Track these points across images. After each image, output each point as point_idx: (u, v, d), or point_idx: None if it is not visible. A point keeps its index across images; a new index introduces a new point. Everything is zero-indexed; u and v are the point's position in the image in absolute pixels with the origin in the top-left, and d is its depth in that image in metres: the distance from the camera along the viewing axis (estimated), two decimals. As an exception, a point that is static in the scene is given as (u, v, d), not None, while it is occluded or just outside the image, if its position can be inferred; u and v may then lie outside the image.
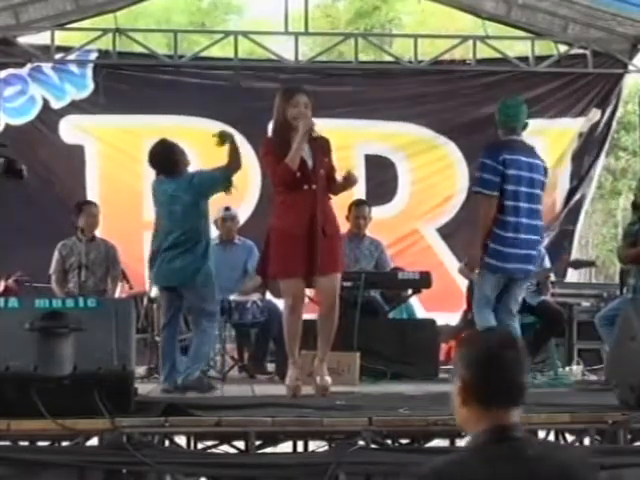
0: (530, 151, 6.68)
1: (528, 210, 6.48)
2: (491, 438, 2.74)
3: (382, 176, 10.97)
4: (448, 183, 11.10)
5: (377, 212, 9.85)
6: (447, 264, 10.73)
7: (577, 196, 11.28)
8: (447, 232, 10.96)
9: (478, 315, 6.54)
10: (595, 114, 11.17)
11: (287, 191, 6.24)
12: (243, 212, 9.90)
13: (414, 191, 11.16)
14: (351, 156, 10.60)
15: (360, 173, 10.29)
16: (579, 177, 11.23)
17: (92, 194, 10.55)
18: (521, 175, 6.46)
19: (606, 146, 11.47)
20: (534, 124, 10.85)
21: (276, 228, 6.30)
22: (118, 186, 10.68)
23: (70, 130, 10.74)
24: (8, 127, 10.48)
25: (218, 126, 10.65)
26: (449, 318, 9.65)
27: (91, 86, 10.75)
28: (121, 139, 10.89)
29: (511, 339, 2.86)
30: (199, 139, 10.66)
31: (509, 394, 2.79)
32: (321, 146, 6.31)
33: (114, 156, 10.86)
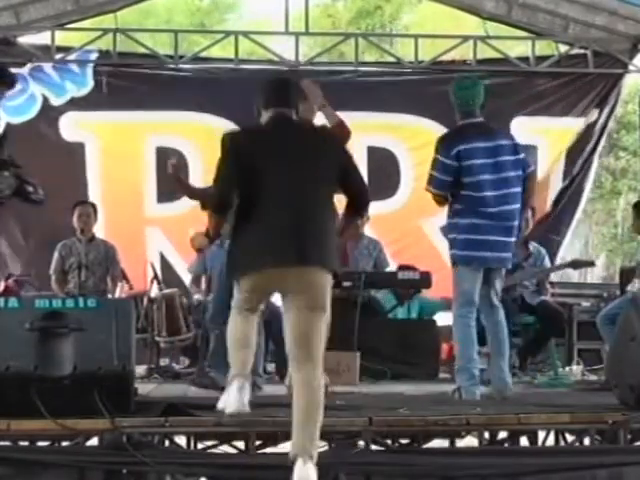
0: (492, 133, 6.33)
1: (496, 197, 6.16)
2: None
3: (385, 169, 10.89)
4: None
5: (379, 207, 9.84)
6: (449, 263, 10.66)
7: (569, 194, 11.24)
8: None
9: (457, 320, 6.25)
10: (593, 114, 11.17)
11: None
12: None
13: (417, 186, 11.06)
14: (353, 147, 10.54)
15: (362, 165, 10.28)
16: (572, 176, 11.21)
17: (93, 191, 10.55)
18: (481, 163, 6.17)
19: (600, 146, 11.45)
20: (535, 124, 10.99)
21: None
22: (119, 183, 10.65)
23: (70, 127, 10.72)
24: (9, 126, 10.48)
25: (219, 121, 10.73)
26: (451, 317, 9.63)
27: (91, 84, 10.75)
28: (122, 135, 10.87)
29: None
30: (200, 134, 10.71)
31: None
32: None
33: (115, 153, 10.82)
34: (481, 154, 6.21)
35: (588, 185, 11.56)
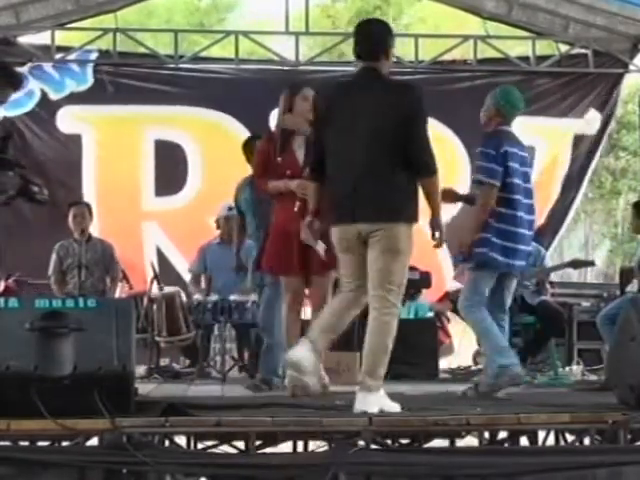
0: (521, 144, 6.43)
1: (526, 205, 6.26)
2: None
3: None
4: (450, 178, 11.03)
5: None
6: (446, 263, 10.66)
7: (569, 196, 11.24)
8: (449, 229, 10.86)
9: (473, 314, 6.21)
10: (594, 114, 11.17)
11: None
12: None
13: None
14: None
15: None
16: (572, 177, 11.21)
17: (89, 184, 10.55)
18: (519, 169, 6.25)
19: (601, 147, 11.45)
20: (535, 123, 10.98)
21: (272, 224, 6.37)
22: (116, 175, 10.65)
23: (68, 119, 10.72)
24: (5, 119, 10.47)
25: (219, 116, 10.74)
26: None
27: (91, 81, 10.75)
28: (120, 128, 10.85)
29: None
30: (199, 127, 10.72)
31: None
32: None
33: (112, 145, 10.80)
34: (519, 160, 6.26)
35: (583, 188, 11.55)
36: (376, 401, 5.09)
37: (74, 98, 10.73)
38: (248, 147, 7.34)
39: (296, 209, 6.12)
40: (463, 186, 10.99)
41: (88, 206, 9.08)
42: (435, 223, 5.30)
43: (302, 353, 5.22)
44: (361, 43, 5.24)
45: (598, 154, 11.52)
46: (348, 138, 5.05)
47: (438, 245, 5.35)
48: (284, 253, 6.22)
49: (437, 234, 5.32)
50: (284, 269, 6.32)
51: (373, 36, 5.28)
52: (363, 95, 5.09)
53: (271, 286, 6.60)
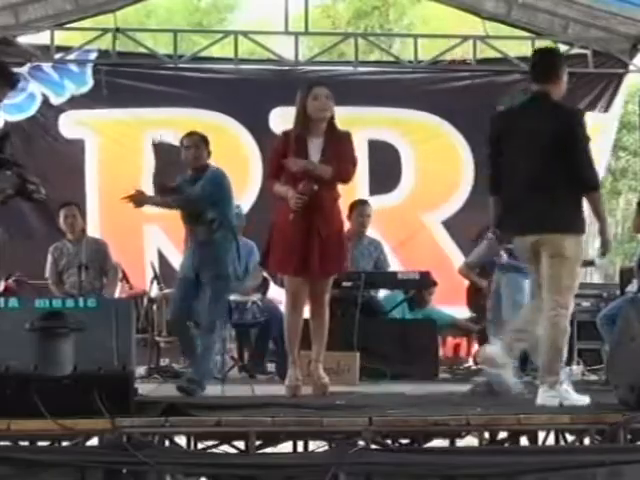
0: None
1: None
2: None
3: (386, 163, 10.86)
4: (453, 173, 11.03)
5: (380, 200, 9.81)
6: (451, 257, 10.65)
7: None
8: (452, 224, 10.88)
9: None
10: (596, 115, 11.16)
11: (291, 186, 6.20)
12: (243, 206, 9.89)
13: (418, 180, 11.05)
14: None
15: (363, 159, 10.28)
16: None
17: (91, 188, 10.55)
18: None
19: (609, 147, 11.46)
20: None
21: (276, 223, 6.32)
22: (118, 179, 10.63)
23: (70, 124, 10.73)
24: (7, 124, 10.47)
25: (218, 117, 10.74)
26: (453, 313, 9.66)
27: (90, 82, 10.75)
28: (121, 132, 10.87)
29: None
30: (199, 129, 10.70)
31: None
32: (338, 140, 6.26)
33: (114, 149, 10.82)
34: None
35: None
36: (557, 395, 5.49)
37: (75, 102, 10.74)
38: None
39: (291, 218, 6.11)
40: (467, 178, 11.05)
41: (78, 206, 9.10)
42: (601, 235, 5.70)
43: (494, 349, 5.78)
44: (534, 68, 5.82)
45: (608, 155, 11.52)
46: (519, 156, 5.59)
47: (602, 254, 5.76)
48: (286, 254, 6.20)
49: (602, 245, 5.72)
50: (284, 269, 6.32)
51: (545, 62, 5.79)
52: (534, 117, 5.62)
53: (214, 283, 6.60)
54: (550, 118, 5.56)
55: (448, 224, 10.89)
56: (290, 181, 6.18)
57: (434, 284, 8.65)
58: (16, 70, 8.11)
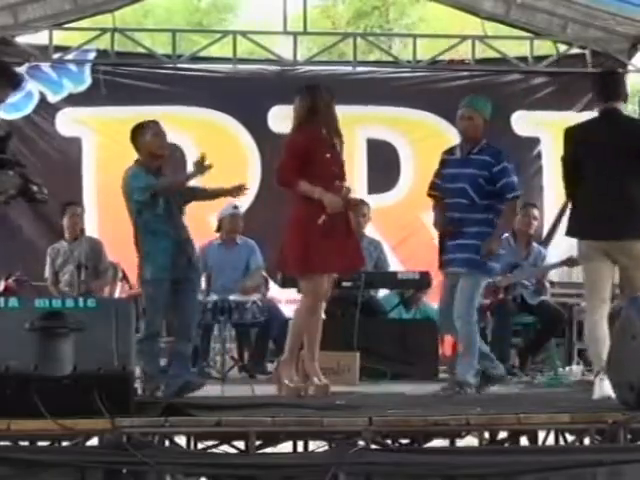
0: None
1: None
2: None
3: (384, 162, 10.84)
4: None
5: (379, 199, 9.79)
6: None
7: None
8: None
9: (471, 325, 6.42)
10: (593, 114, 11.14)
11: (322, 185, 6.20)
12: (242, 203, 9.85)
13: (417, 179, 11.00)
14: (352, 140, 10.52)
15: (362, 158, 10.25)
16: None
17: (89, 186, 10.53)
18: None
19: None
20: (534, 123, 10.98)
21: (299, 221, 6.26)
22: (116, 177, 10.58)
23: (67, 122, 10.69)
24: (3, 122, 10.44)
25: (217, 116, 10.73)
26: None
27: (89, 81, 10.73)
28: (119, 130, 10.82)
29: None
30: (198, 128, 10.70)
31: None
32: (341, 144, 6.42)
33: (112, 147, 10.74)
34: None
35: None
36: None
37: (73, 100, 10.70)
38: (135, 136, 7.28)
39: (320, 222, 6.10)
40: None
41: (81, 206, 9.13)
42: None
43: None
44: (607, 87, 6.22)
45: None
46: (596, 167, 5.98)
47: None
48: (330, 252, 6.17)
49: None
50: (327, 267, 6.30)
51: (614, 82, 6.29)
52: (607, 130, 6.06)
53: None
54: (626, 133, 6.02)
55: None
56: (316, 180, 6.19)
57: (429, 284, 8.62)
58: (18, 70, 8.11)
